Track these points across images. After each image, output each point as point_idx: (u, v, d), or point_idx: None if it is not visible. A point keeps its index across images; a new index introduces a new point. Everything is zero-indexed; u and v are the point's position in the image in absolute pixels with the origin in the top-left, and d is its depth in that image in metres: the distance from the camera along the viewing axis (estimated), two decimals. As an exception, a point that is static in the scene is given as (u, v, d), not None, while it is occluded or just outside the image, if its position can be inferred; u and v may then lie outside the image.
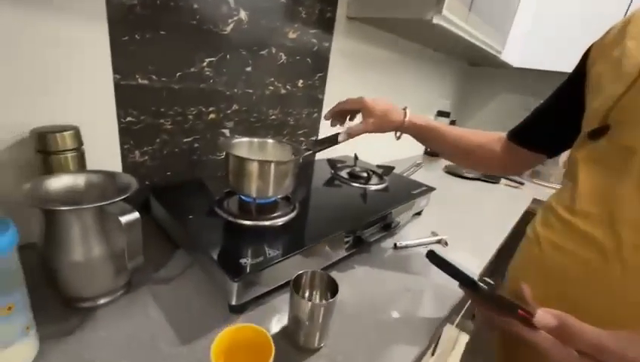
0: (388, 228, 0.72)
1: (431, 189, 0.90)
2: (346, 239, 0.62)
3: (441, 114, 1.76)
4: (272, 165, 0.56)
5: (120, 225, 0.39)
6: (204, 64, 0.70)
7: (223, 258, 0.47)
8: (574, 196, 0.40)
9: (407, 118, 0.62)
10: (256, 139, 0.67)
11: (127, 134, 0.63)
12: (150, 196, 0.65)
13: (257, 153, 0.66)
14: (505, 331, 0.33)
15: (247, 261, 0.46)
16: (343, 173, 0.93)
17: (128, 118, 0.62)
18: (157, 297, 0.48)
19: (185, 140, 0.73)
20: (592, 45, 0.47)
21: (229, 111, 0.79)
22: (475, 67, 1.91)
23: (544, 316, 0.29)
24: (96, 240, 0.41)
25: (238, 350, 0.36)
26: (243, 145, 0.65)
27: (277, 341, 0.37)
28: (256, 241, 0.53)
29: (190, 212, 0.58)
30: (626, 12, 1.27)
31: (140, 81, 0.62)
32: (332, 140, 0.65)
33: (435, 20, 0.80)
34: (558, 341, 0.29)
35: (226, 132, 0.80)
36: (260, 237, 0.55)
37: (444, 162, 1.67)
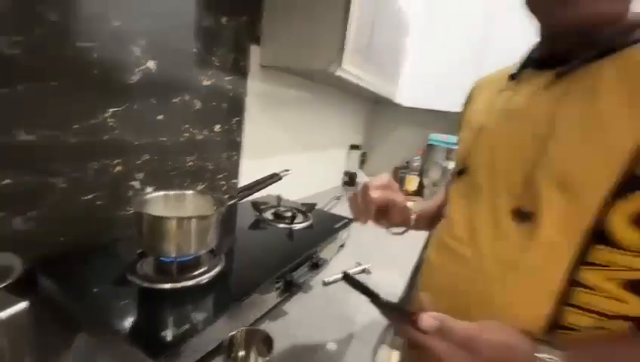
0: (316, 266, 0.74)
1: (351, 221, 0.97)
2: (277, 285, 0.62)
3: (353, 147, 1.93)
4: (193, 221, 0.54)
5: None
6: (108, 115, 0.65)
7: (139, 334, 0.42)
8: (452, 224, 0.50)
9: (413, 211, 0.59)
10: (172, 192, 0.63)
11: (3, 200, 0.53)
12: (38, 272, 0.54)
13: (175, 207, 0.62)
14: (406, 337, 0.37)
15: (168, 333, 0.42)
16: (268, 215, 0.93)
17: (5, 181, 0.53)
18: (53, 400, 0.39)
19: (84, 198, 0.64)
20: None
21: (138, 162, 0.73)
22: (378, 104, 2.18)
23: (427, 319, 0.34)
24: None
25: None
26: (158, 201, 0.60)
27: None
28: (179, 307, 0.49)
29: (94, 283, 0.51)
30: (480, 61, 1.64)
31: (22, 137, 0.53)
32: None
33: (337, 73, 0.90)
34: (440, 338, 0.34)
35: (136, 184, 0.74)
36: (183, 300, 0.51)
37: (361, 191, 1.82)
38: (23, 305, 0.33)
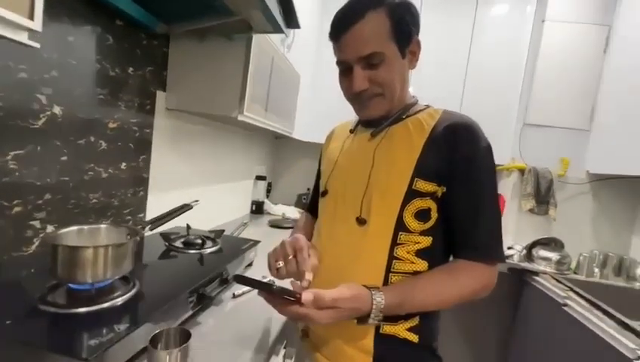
0: (225, 282, 0.87)
1: (257, 243, 1.13)
2: (190, 299, 0.72)
3: (259, 178, 2.10)
4: (110, 249, 0.62)
5: None
6: (9, 157, 0.67)
7: (68, 346, 0.48)
8: (320, 228, 0.72)
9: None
10: (86, 227, 0.68)
11: None
12: None
13: (89, 240, 0.68)
14: (292, 316, 0.53)
15: (97, 340, 0.50)
16: (178, 243, 1.01)
17: None
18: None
19: (-23, 241, 0.64)
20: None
21: (39, 202, 0.75)
22: (279, 139, 2.43)
23: (305, 294, 0.50)
24: None
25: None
26: (71, 235, 0.65)
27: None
28: (99, 324, 0.55)
29: (3, 318, 0.53)
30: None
31: None
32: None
33: (240, 118, 1.09)
34: (316, 308, 0.49)
35: (36, 223, 0.75)
36: (102, 319, 0.57)
37: (269, 217, 1.98)
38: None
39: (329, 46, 0.66)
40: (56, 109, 0.76)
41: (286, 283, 0.60)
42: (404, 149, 0.62)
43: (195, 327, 0.72)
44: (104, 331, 0.53)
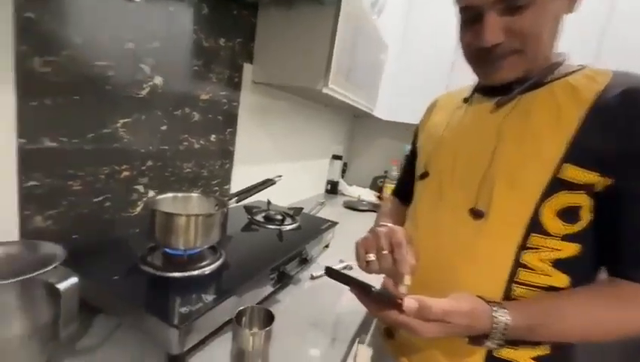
0: (305, 261, 0.84)
1: (334, 224, 1.07)
2: (272, 276, 0.70)
3: (335, 157, 2.05)
4: (200, 218, 0.62)
5: (49, 294, 0.39)
6: (119, 125, 0.72)
7: (163, 310, 0.49)
8: (417, 218, 0.60)
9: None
10: (180, 194, 0.71)
11: (29, 200, 0.59)
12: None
13: (182, 207, 0.70)
14: (388, 321, 0.45)
15: (187, 309, 0.50)
16: (259, 218, 1.01)
17: (31, 183, 0.59)
18: (85, 368, 0.46)
19: (95, 200, 0.71)
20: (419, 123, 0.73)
21: (143, 168, 0.80)
22: (358, 118, 2.32)
23: (408, 301, 0.40)
24: (16, 317, 0.40)
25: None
26: (167, 201, 0.68)
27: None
28: (189, 291, 0.56)
29: (112, 273, 0.58)
30: (448, 80, 1.81)
31: (48, 143, 0.60)
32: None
33: (324, 91, 1.02)
34: (419, 319, 0.40)
35: (140, 188, 0.80)
36: (192, 286, 0.58)
37: (343, 198, 1.93)
38: (75, 279, 0.40)
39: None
40: (158, 80, 0.79)
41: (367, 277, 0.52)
42: (548, 124, 0.46)
43: (274, 305, 0.70)
44: (193, 299, 0.53)
